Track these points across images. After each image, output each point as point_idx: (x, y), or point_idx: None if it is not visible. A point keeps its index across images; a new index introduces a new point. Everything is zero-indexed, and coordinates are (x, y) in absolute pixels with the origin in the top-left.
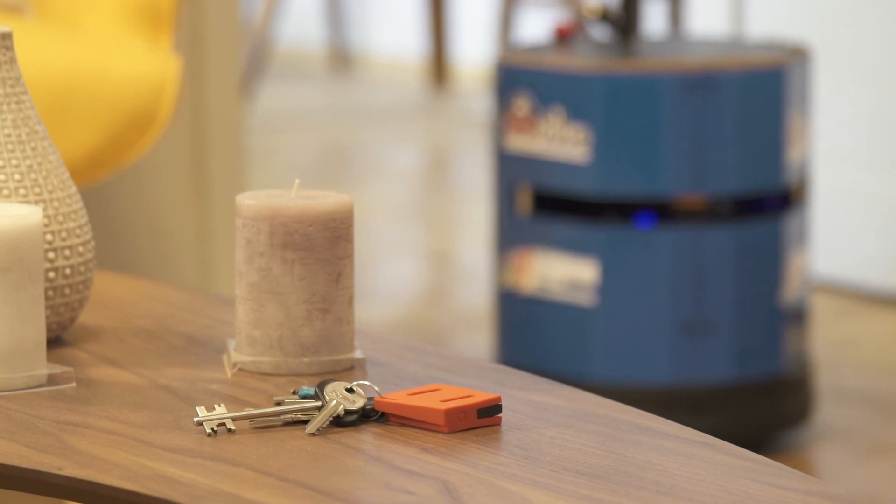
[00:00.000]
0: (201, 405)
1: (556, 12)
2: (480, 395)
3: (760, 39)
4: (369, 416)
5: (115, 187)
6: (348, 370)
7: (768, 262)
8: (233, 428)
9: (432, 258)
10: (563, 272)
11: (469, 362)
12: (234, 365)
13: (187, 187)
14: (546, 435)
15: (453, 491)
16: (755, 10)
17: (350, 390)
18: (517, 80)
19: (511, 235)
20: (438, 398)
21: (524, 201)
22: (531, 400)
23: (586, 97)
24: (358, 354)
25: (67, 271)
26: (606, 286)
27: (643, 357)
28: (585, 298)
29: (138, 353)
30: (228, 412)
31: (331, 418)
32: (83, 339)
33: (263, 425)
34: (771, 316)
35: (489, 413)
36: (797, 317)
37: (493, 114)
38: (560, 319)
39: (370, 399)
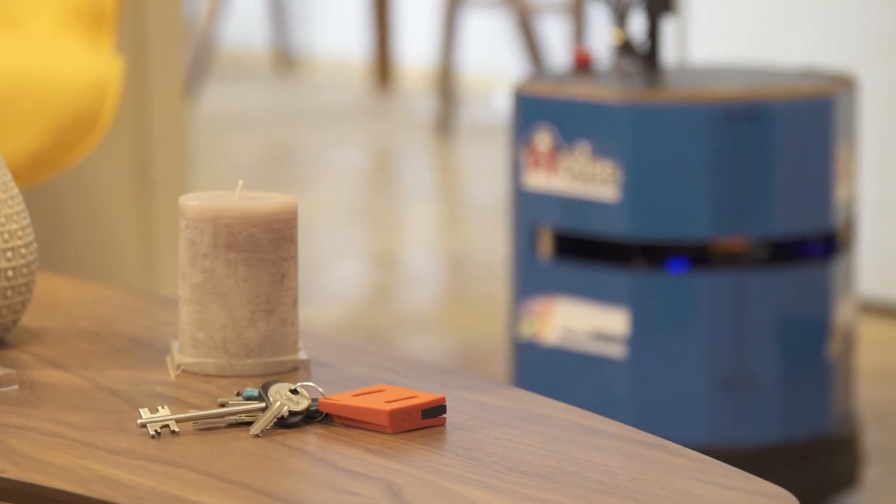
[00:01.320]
0: (145, 407)
1: (499, 13)
2: (425, 396)
3: (795, 67)
4: (313, 417)
5: (59, 189)
6: (292, 371)
7: (814, 312)
8: (176, 430)
9: (377, 259)
10: (588, 322)
11: (413, 363)
12: (178, 366)
13: (131, 188)
14: (490, 435)
15: (398, 492)
16: (698, 34)
17: (294, 391)
18: (537, 111)
19: (531, 281)
20: (383, 399)
21: (545, 244)
22: (475, 400)
23: (615, 130)
24: (302, 355)
25: (10, 273)
26: (637, 337)
27: (678, 415)
28: (614, 350)
29: (81, 355)
30: (172, 414)
31: (275, 420)
32: (26, 341)
33: (207, 427)
34: (817, 370)
35: (433, 414)
36: (845, 370)
37: (511, 148)
38: (586, 373)
39: (314, 400)
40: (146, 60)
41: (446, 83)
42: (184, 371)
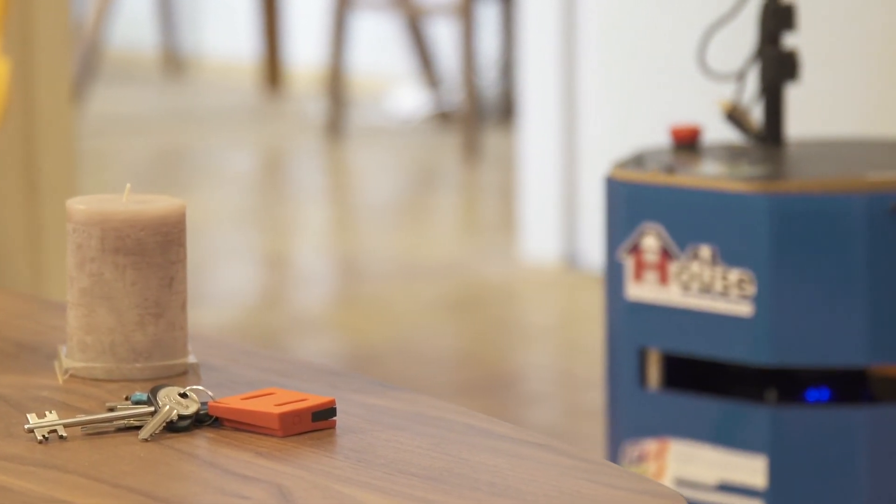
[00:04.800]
0: (32, 412)
1: (388, 15)
2: (315, 399)
3: None
4: (203, 420)
5: None
6: (182, 375)
7: None
8: (64, 435)
9: (267, 261)
10: (714, 471)
11: (303, 366)
12: (66, 371)
13: (18, 192)
14: (380, 437)
15: (287, 495)
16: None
17: (184, 395)
18: (642, 206)
19: (636, 418)
20: (273, 402)
21: (654, 371)
22: (365, 402)
23: (746, 229)
24: (191, 359)
25: None
26: (778, 491)
27: None
28: None
29: None
30: (60, 419)
31: (164, 424)
32: None
33: (96, 431)
34: None
35: (323, 416)
36: None
37: (608, 249)
38: None
39: (204, 404)
40: (33, 63)
41: (336, 85)
42: (72, 375)
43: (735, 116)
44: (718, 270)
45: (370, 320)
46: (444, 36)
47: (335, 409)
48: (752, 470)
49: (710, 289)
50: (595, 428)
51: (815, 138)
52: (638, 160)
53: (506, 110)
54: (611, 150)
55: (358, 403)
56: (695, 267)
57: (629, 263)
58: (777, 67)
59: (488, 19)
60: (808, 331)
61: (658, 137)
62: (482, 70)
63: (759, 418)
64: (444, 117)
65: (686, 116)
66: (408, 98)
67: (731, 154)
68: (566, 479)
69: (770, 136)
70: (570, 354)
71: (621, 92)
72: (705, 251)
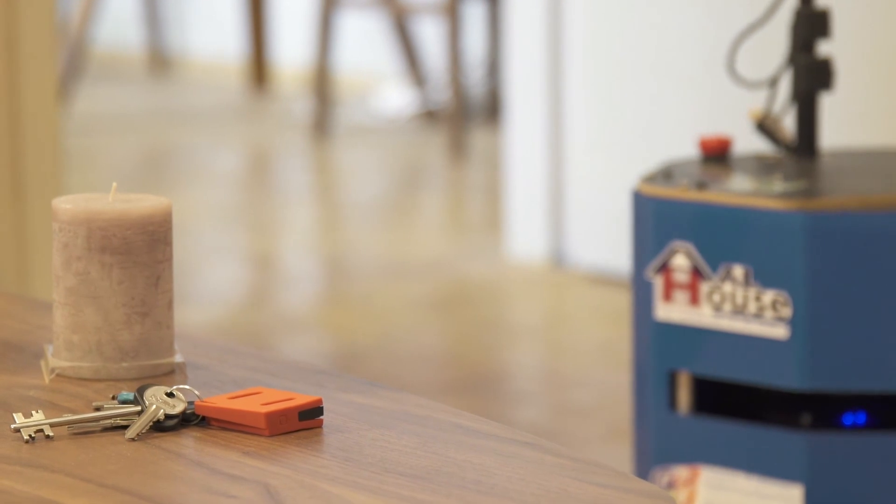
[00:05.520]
0: (18, 411)
1: (374, 13)
2: (301, 398)
3: None
4: (190, 420)
5: None
6: (168, 374)
7: None
8: (51, 434)
9: (253, 260)
10: (747, 500)
11: (290, 365)
12: (53, 370)
13: (4, 191)
14: (367, 436)
15: (275, 494)
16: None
17: (170, 394)
18: (671, 223)
19: (665, 443)
20: (259, 401)
21: (684, 395)
22: (352, 401)
23: (782, 247)
24: (178, 358)
25: None
26: None
27: None
28: None
29: None
30: (46, 418)
31: (151, 423)
32: None
33: (82, 431)
34: None
35: (310, 415)
36: None
37: (636, 267)
38: None
39: (190, 403)
40: (19, 62)
41: (322, 84)
42: (58, 375)
43: (766, 126)
44: (752, 291)
45: (357, 319)
46: (430, 35)
47: (322, 408)
48: (787, 499)
49: (743, 310)
50: (581, 427)
51: (849, 149)
52: (666, 174)
53: (492, 109)
54: (597, 149)
55: (345, 402)
56: (727, 287)
57: (658, 283)
58: (811, 76)
59: (474, 18)
60: (846, 354)
61: (643, 137)
62: (468, 69)
63: (794, 445)
64: (430, 116)
65: (673, 116)
66: (394, 97)
67: (762, 167)
68: (553, 478)
69: (803, 147)
70: (556, 353)
71: (607, 91)
72: (738, 271)
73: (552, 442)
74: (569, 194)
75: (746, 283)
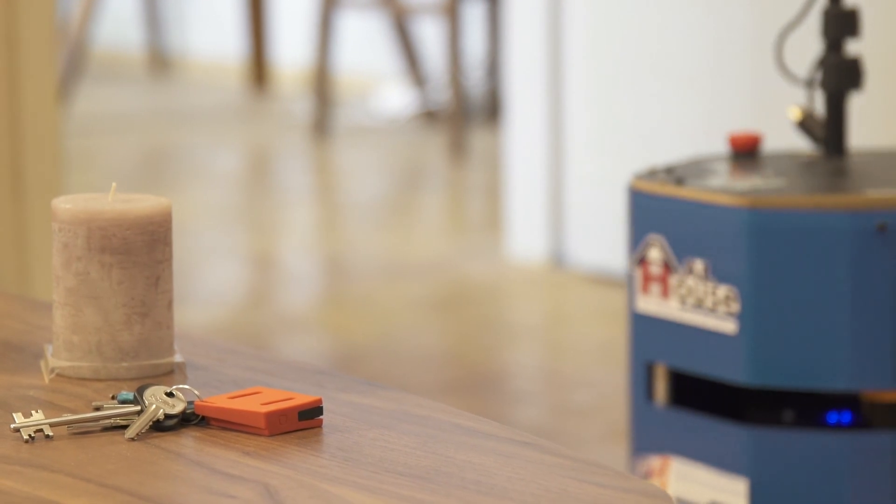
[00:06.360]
0: (18, 411)
1: (374, 14)
2: (301, 398)
3: None
4: (189, 420)
5: None
6: (168, 374)
7: None
8: (51, 434)
9: (253, 260)
10: (706, 492)
11: (289, 365)
12: (52, 370)
13: (4, 191)
14: (367, 436)
15: (274, 494)
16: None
17: (170, 394)
18: (649, 217)
19: (646, 432)
20: (259, 401)
21: (661, 387)
22: (352, 401)
23: (731, 244)
24: (178, 358)
25: None
26: None
27: None
28: None
29: None
30: (46, 418)
31: (150, 423)
32: None
33: (82, 431)
34: None
35: (310, 415)
36: None
37: (628, 261)
38: None
39: (190, 403)
40: (19, 62)
41: (322, 84)
42: (58, 375)
43: (807, 124)
44: (710, 286)
45: (356, 319)
46: (430, 35)
47: (322, 408)
48: (735, 493)
49: (702, 304)
50: (581, 427)
51: (879, 149)
52: (668, 169)
53: (492, 109)
54: (597, 149)
55: (344, 402)
56: (690, 281)
57: (638, 275)
58: (839, 75)
59: (474, 18)
60: (789, 352)
61: (643, 137)
62: (468, 69)
63: (738, 439)
64: (430, 116)
65: (673, 116)
66: (394, 97)
67: (782, 165)
68: (553, 478)
69: (832, 146)
70: (556, 353)
71: (607, 91)
72: (699, 265)
73: (552, 442)
74: (568, 194)
75: (705, 277)
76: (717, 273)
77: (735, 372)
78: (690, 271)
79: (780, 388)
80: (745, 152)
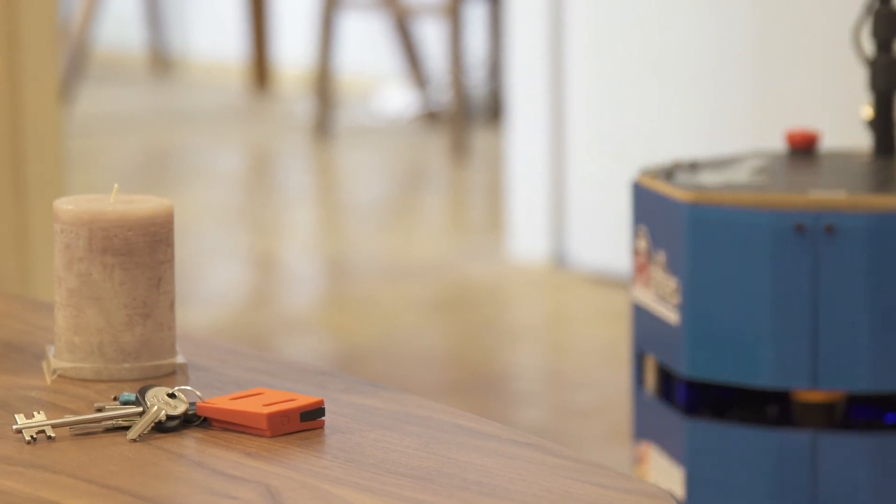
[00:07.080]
0: (20, 412)
1: (376, 15)
2: (303, 399)
3: None
4: (191, 421)
5: None
6: (170, 375)
7: None
8: (52, 435)
9: (255, 261)
10: (666, 481)
11: (291, 366)
12: (54, 371)
13: (6, 192)
14: (369, 437)
15: (276, 495)
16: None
17: (172, 395)
18: (640, 210)
19: (637, 421)
20: (261, 402)
21: (651, 376)
22: (354, 402)
23: (680, 239)
24: (179, 359)
25: None
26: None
27: None
28: None
29: None
30: (48, 419)
31: (152, 424)
32: None
33: (84, 432)
34: None
35: (312, 416)
36: None
37: (630, 253)
38: None
39: (192, 404)
40: (20, 62)
41: (323, 85)
42: (60, 376)
43: (875, 122)
44: (667, 278)
45: (358, 320)
46: (431, 36)
47: (323, 409)
48: (677, 481)
49: (664, 296)
50: (583, 427)
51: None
52: (692, 164)
53: (493, 110)
54: (598, 149)
55: (346, 403)
56: (655, 273)
57: (634, 265)
58: (888, 76)
59: (476, 19)
60: (719, 347)
61: (645, 138)
62: (470, 70)
63: (682, 430)
64: (431, 117)
65: (675, 116)
66: (395, 98)
67: (825, 163)
68: (555, 479)
69: (881, 146)
70: (558, 354)
71: (609, 92)
72: (661, 258)
73: (554, 443)
74: (570, 195)
75: (666, 270)
76: (671, 266)
77: (679, 364)
78: (657, 262)
79: (714, 382)
80: (803, 150)
